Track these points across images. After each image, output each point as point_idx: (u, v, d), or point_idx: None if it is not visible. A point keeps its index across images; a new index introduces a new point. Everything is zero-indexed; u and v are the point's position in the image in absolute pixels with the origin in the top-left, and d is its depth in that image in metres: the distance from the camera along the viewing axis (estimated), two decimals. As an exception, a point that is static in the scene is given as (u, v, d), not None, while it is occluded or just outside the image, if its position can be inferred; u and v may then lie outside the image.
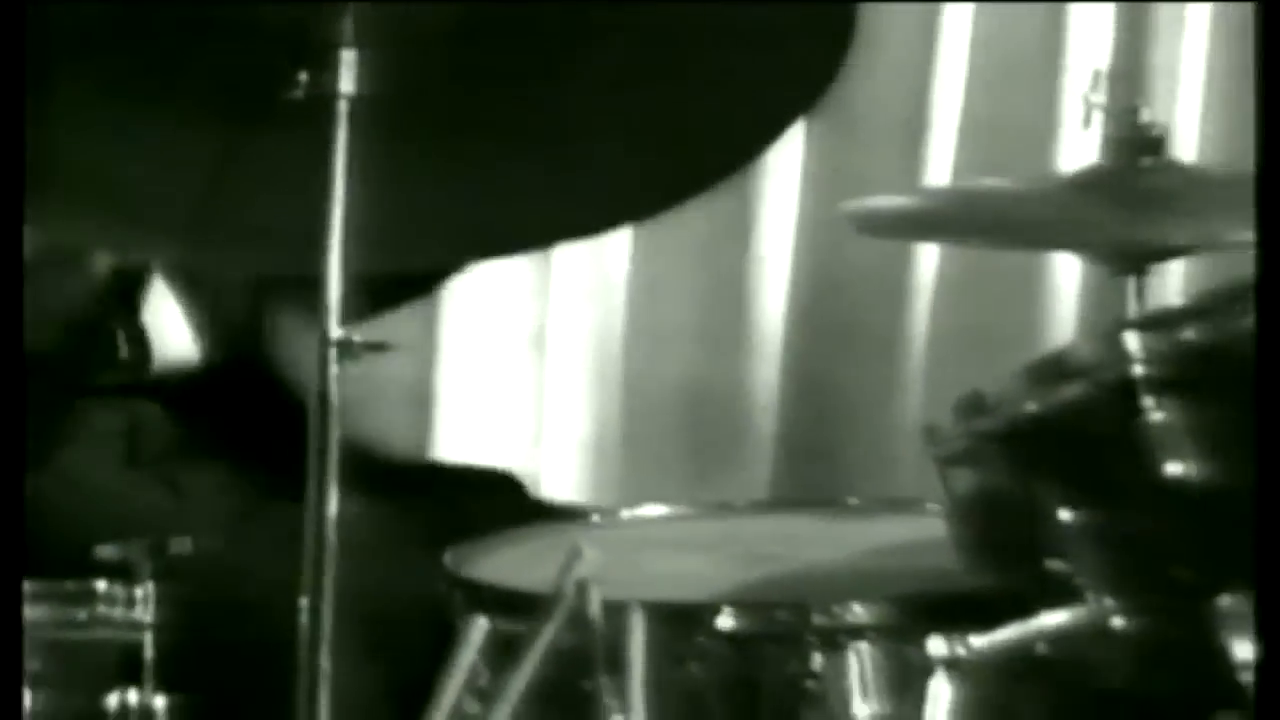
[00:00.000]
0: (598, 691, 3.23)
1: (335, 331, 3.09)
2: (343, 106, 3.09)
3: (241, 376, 4.44)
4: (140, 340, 4.45)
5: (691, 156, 3.47)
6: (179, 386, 4.47)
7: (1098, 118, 4.43)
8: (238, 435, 4.42)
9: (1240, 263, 3.92)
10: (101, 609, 3.47)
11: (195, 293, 4.45)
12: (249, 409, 4.44)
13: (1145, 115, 4.40)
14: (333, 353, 3.07)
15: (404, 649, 3.87)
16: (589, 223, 3.73)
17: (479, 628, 3.31)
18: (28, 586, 3.48)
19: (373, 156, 3.07)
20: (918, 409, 5.09)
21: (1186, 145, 5.41)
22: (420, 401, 5.00)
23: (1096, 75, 4.65)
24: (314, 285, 3.17)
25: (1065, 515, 3.27)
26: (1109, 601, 3.11)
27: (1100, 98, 4.53)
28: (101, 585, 3.46)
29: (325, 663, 2.99)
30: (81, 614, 3.50)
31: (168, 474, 4.33)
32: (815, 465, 5.49)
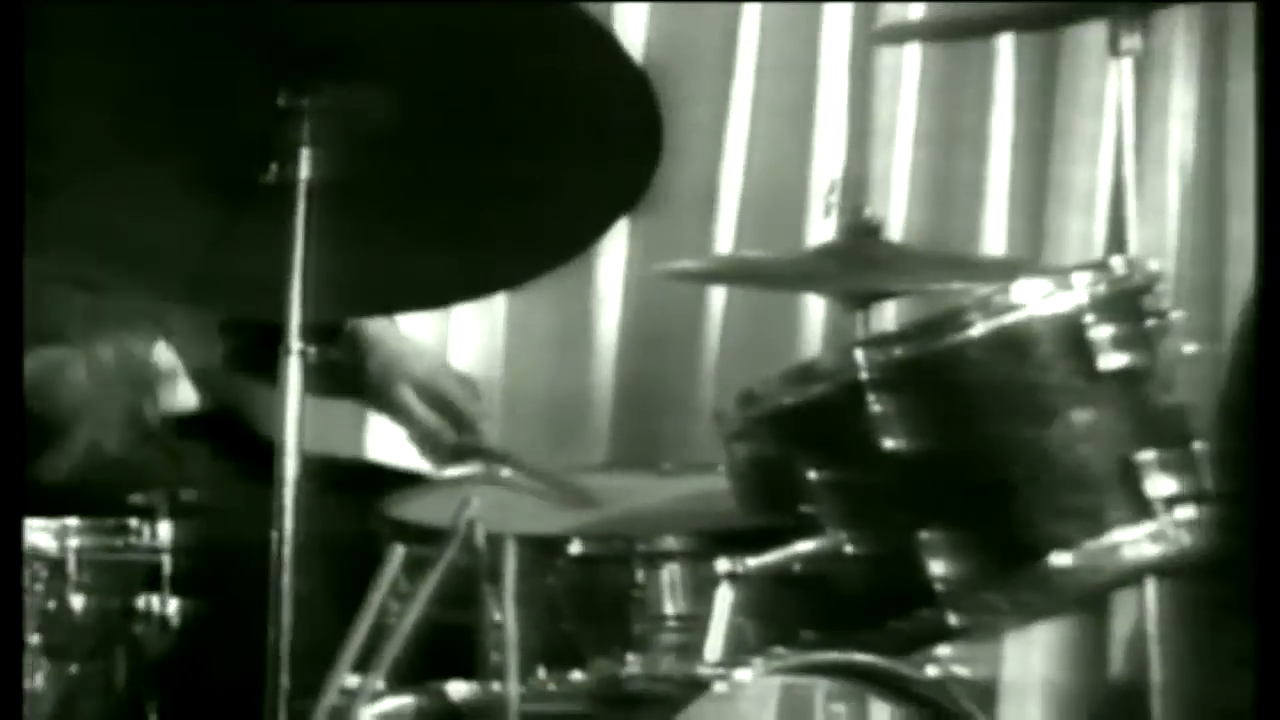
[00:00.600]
0: (482, 597, 3.80)
1: (295, 345, 3.58)
2: (302, 189, 3.59)
3: (225, 416, 4.83)
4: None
5: (562, 238, 4.08)
6: (181, 419, 4.87)
7: (835, 212, 5.41)
8: (225, 440, 4.82)
9: (933, 303, 5.30)
10: (132, 539, 4.18)
11: (192, 356, 4.78)
12: (231, 434, 4.81)
13: (867, 211, 5.17)
14: (293, 363, 3.57)
15: (346, 568, 4.16)
16: (489, 284, 4.45)
17: (398, 553, 3.98)
18: (81, 521, 4.21)
19: (324, 226, 3.63)
20: (711, 400, 6.00)
21: (896, 229, 6.39)
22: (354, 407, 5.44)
23: (833, 183, 5.76)
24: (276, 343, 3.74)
25: (812, 475, 4.11)
26: (843, 534, 4.02)
27: (835, 198, 5.55)
28: (133, 522, 4.19)
29: (288, 581, 3.55)
30: (119, 542, 4.19)
31: (177, 452, 4.73)
32: (639, 440, 6.49)
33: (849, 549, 4.10)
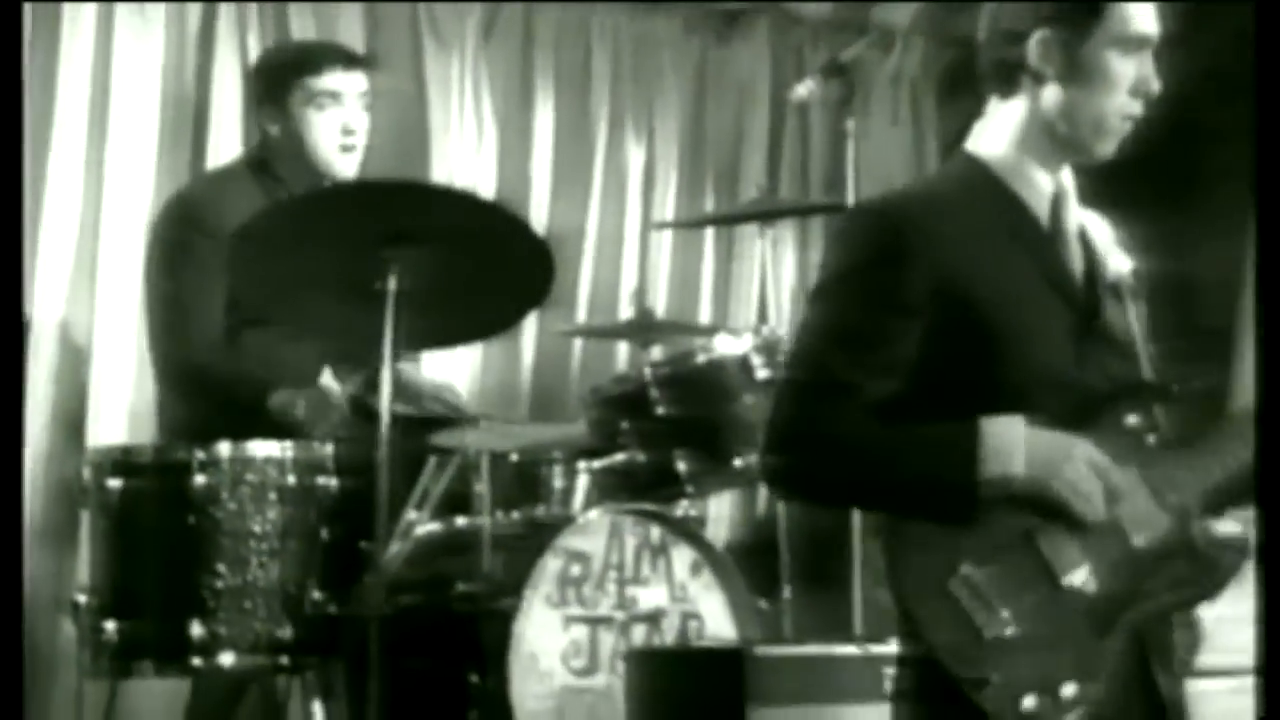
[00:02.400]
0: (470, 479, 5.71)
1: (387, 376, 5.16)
2: (391, 297, 5.05)
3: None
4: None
5: (511, 316, 5.94)
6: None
7: (635, 302, 6.89)
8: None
9: (678, 345, 6.46)
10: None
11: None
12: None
13: (648, 303, 6.89)
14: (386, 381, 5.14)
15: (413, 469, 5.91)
16: (477, 336, 6.33)
17: (432, 461, 5.90)
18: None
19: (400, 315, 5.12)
20: (578, 390, 7.21)
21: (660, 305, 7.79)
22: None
23: (634, 290, 7.42)
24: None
25: (624, 424, 5.93)
26: (639, 452, 5.82)
27: (634, 297, 7.14)
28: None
29: (384, 482, 5.06)
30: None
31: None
32: (548, 410, 7.61)
33: (640, 458, 5.91)
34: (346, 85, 6.19)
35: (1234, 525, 3.83)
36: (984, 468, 3.64)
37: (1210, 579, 3.86)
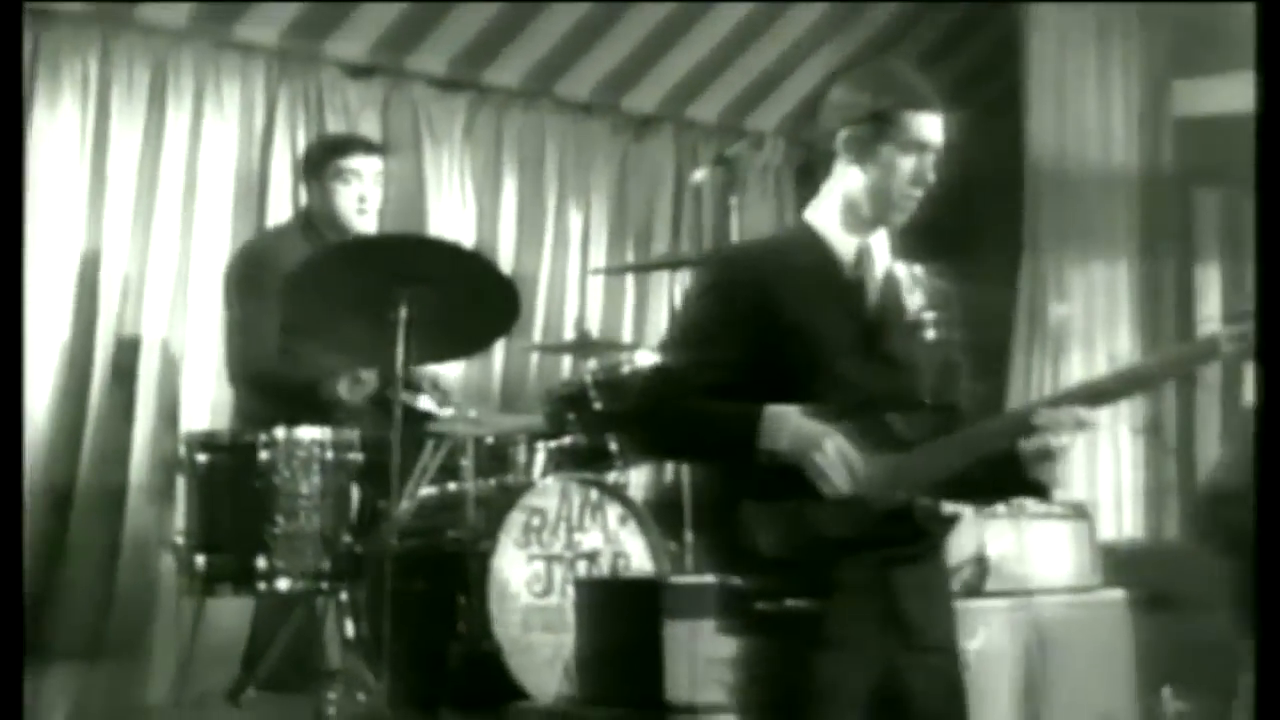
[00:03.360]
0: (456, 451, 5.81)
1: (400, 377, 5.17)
2: (402, 325, 5.12)
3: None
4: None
5: (486, 341, 6.11)
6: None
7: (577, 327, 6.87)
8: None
9: (607, 358, 6.09)
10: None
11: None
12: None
13: (586, 326, 6.85)
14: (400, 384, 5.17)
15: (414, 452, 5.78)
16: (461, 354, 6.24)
17: (429, 444, 5.96)
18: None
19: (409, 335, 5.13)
20: (537, 392, 6.91)
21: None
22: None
23: (578, 320, 7.21)
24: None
25: (570, 416, 5.77)
26: (582, 434, 5.73)
27: (578, 323, 7.09)
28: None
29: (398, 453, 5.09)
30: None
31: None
32: (517, 404, 7.41)
33: (582, 440, 5.82)
34: (365, 166, 6.23)
35: (952, 507, 3.80)
36: (759, 439, 3.62)
37: (922, 538, 3.80)
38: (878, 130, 3.79)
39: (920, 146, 3.81)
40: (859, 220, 3.84)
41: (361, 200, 6.20)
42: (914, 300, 3.90)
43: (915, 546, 3.78)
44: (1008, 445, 3.72)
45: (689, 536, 5.77)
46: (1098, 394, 3.74)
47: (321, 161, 6.29)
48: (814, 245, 3.85)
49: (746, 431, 3.63)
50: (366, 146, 6.43)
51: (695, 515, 4.00)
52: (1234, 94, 8.95)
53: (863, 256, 3.86)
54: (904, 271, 3.93)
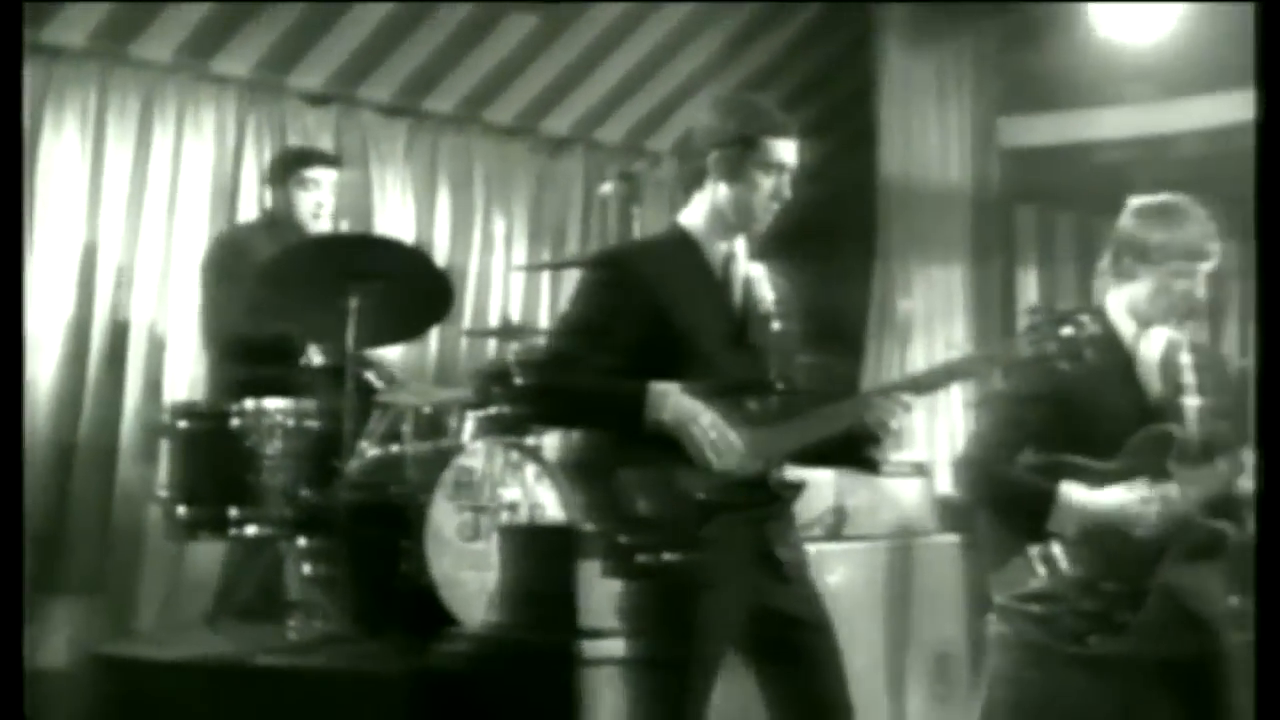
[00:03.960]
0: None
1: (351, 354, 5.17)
2: (353, 311, 5.12)
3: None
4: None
5: (421, 327, 6.03)
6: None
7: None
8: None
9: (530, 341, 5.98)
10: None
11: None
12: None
13: (515, 318, 7.00)
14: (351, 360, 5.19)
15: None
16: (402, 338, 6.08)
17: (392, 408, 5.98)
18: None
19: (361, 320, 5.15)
20: (467, 371, 6.96)
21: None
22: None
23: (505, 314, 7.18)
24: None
25: (495, 390, 5.61)
26: (507, 407, 5.57)
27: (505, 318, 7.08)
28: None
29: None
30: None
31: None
32: (452, 380, 7.31)
33: (505, 410, 5.67)
34: (323, 177, 6.21)
35: (800, 473, 3.83)
36: (645, 412, 3.65)
37: (776, 501, 3.82)
38: (743, 153, 3.81)
39: (778, 168, 3.84)
40: (726, 227, 3.87)
41: (318, 206, 6.17)
42: (767, 296, 3.93)
43: (771, 507, 3.81)
44: (848, 426, 3.78)
45: None
46: (918, 385, 3.83)
47: (286, 170, 6.23)
48: (688, 248, 3.88)
49: (634, 406, 3.65)
50: (325, 159, 6.38)
51: (577, 478, 3.95)
52: (1048, 129, 9.19)
53: (729, 259, 3.90)
54: (758, 271, 3.95)
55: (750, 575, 3.77)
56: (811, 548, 5.39)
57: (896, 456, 6.31)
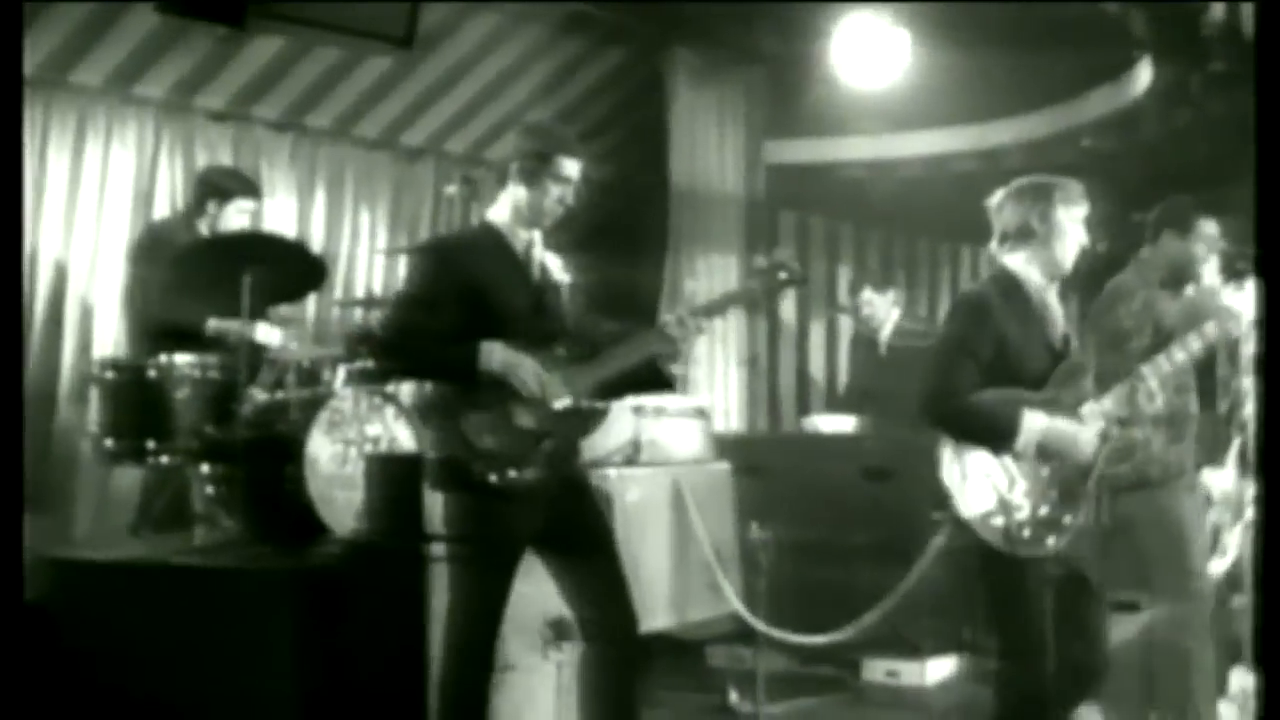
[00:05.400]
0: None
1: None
2: (247, 293, 5.14)
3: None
4: None
5: (300, 296, 5.96)
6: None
7: None
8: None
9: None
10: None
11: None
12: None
13: None
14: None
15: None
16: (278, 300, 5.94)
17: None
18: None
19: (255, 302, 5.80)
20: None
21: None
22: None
23: None
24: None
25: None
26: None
27: None
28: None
29: None
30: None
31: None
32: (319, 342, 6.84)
33: (370, 364, 5.55)
34: (247, 205, 6.13)
35: (604, 404, 4.01)
36: (478, 364, 3.84)
37: (585, 426, 4.00)
38: (538, 165, 3.99)
39: (565, 180, 4.03)
40: (523, 222, 4.06)
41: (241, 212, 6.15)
42: (559, 276, 4.13)
43: (581, 432, 4.01)
44: (648, 355, 3.98)
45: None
46: (704, 310, 4.04)
47: (219, 195, 6.12)
48: (496, 238, 4.06)
49: (470, 360, 3.82)
50: (254, 193, 6.28)
51: (430, 417, 4.08)
52: (804, 151, 9.50)
53: (529, 245, 4.09)
54: (552, 259, 4.15)
55: (555, 487, 3.92)
56: (613, 472, 5.79)
57: (682, 401, 6.46)
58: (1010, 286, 3.99)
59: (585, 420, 3.99)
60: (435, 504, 4.49)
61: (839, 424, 7.40)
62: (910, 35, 7.75)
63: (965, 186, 9.05)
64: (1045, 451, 3.87)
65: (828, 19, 7.85)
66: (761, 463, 6.74)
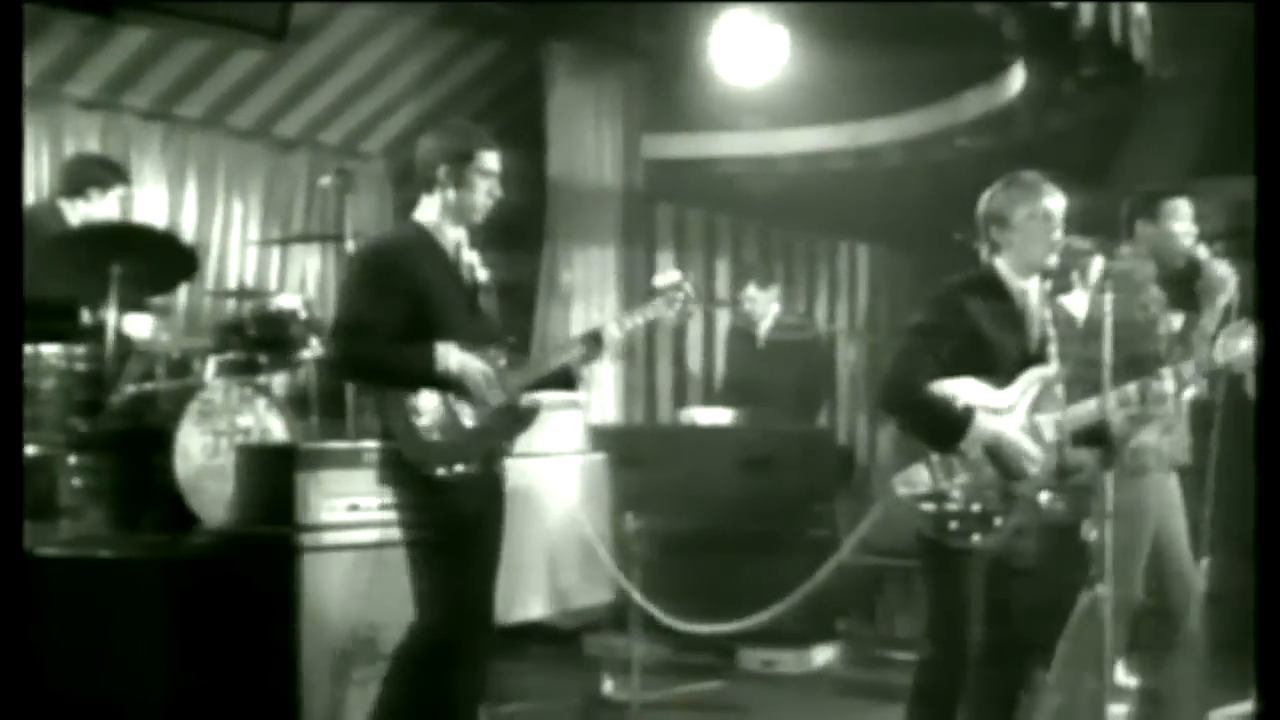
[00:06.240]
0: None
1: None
2: (115, 278, 5.64)
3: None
4: None
5: (171, 285, 5.91)
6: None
7: None
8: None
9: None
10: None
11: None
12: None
13: None
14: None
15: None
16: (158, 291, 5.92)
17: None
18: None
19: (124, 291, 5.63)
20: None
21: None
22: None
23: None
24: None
25: None
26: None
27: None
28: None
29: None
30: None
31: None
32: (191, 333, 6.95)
33: (241, 355, 5.66)
34: (114, 192, 6.09)
35: (534, 399, 4.13)
36: (435, 365, 3.92)
37: (521, 425, 4.13)
38: (464, 165, 4.05)
39: (490, 173, 4.10)
40: (454, 221, 4.10)
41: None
42: (482, 274, 4.18)
43: (517, 430, 4.14)
44: (572, 358, 4.16)
45: (315, 419, 5.83)
46: (628, 324, 4.25)
47: (87, 183, 6.07)
48: (428, 239, 4.09)
49: (429, 362, 3.90)
50: (124, 181, 6.22)
51: (379, 413, 4.09)
52: (682, 146, 9.60)
53: (458, 245, 4.14)
54: (474, 256, 4.19)
55: (485, 483, 4.05)
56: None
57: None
58: (989, 283, 4.01)
59: (521, 419, 4.12)
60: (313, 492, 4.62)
61: (716, 416, 7.48)
62: (788, 33, 7.83)
63: (842, 183, 9.57)
64: (991, 454, 3.89)
65: (706, 15, 7.93)
66: (638, 454, 6.78)
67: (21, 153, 5.88)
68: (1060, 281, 5.18)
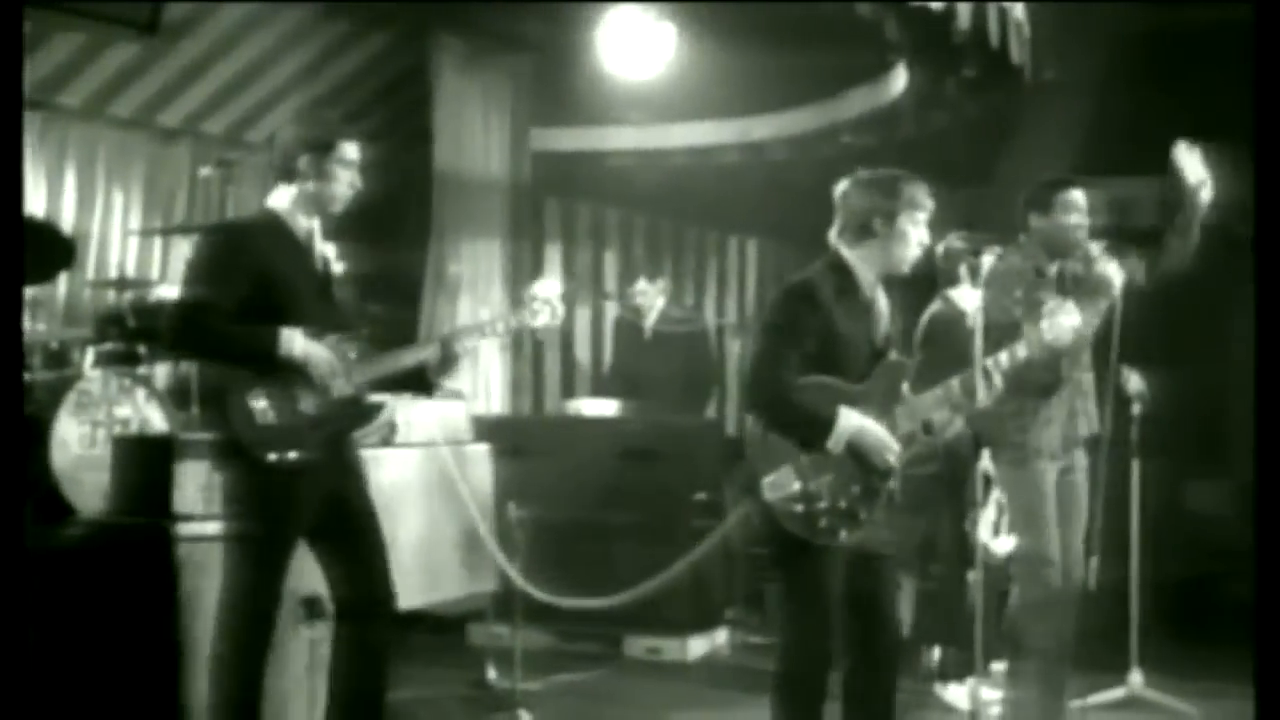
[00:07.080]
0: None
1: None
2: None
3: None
4: None
5: (53, 274, 5.95)
6: None
7: None
8: None
9: None
10: None
11: None
12: None
13: None
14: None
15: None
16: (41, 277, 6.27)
17: None
18: None
19: None
20: None
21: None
22: None
23: None
24: None
25: None
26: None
27: None
28: None
29: None
30: None
31: None
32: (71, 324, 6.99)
33: (121, 345, 5.70)
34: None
35: (380, 399, 4.15)
36: (278, 349, 3.91)
37: (363, 418, 4.12)
38: (325, 154, 4.04)
39: (351, 164, 4.10)
40: (310, 211, 4.10)
41: None
42: (337, 265, 4.20)
43: (359, 423, 4.13)
44: (423, 362, 4.15)
45: (195, 408, 5.54)
46: (471, 332, 4.26)
47: None
48: (280, 226, 4.08)
49: (270, 345, 3.88)
50: None
51: (205, 398, 4.11)
52: (570, 139, 9.71)
53: (310, 234, 4.13)
54: (329, 247, 4.21)
55: (331, 471, 4.01)
56: (368, 453, 5.70)
57: (445, 384, 6.59)
58: (842, 278, 3.97)
59: (364, 413, 4.12)
60: (188, 483, 4.60)
61: (602, 407, 7.55)
62: (675, 29, 7.91)
63: (730, 177, 9.74)
64: (854, 450, 3.88)
65: (594, 10, 7.98)
66: (522, 444, 6.82)
67: (21, 155, 5.93)
68: (946, 277, 5.41)
